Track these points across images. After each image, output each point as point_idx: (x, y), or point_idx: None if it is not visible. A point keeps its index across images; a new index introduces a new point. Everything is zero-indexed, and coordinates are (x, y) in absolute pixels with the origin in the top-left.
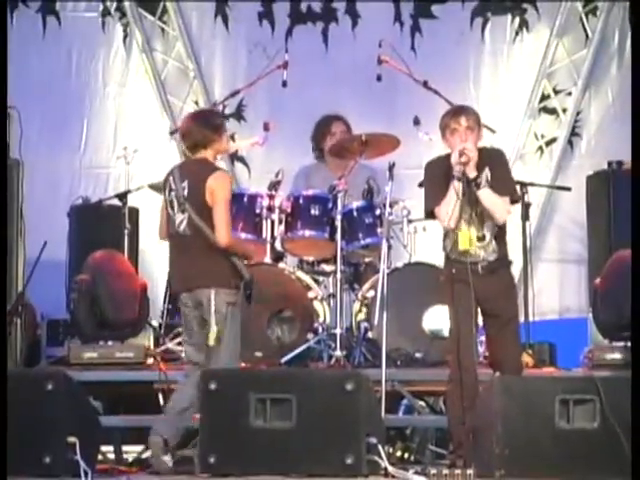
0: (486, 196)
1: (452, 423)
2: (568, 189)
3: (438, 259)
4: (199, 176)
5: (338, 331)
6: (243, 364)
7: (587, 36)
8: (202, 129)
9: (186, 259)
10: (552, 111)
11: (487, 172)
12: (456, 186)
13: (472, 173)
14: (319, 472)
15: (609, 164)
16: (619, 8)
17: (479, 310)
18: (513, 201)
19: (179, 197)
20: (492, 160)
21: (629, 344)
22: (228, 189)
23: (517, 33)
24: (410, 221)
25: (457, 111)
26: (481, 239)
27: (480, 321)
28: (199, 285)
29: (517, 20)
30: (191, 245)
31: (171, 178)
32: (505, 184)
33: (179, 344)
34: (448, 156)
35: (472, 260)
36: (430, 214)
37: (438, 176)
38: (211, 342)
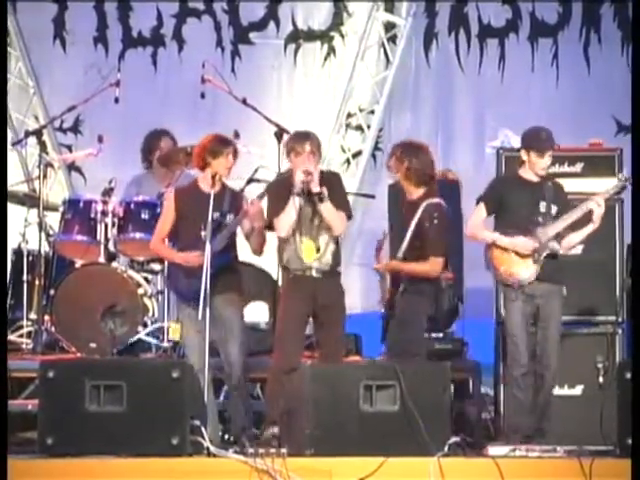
0: (327, 209)
1: (270, 407)
2: (372, 196)
3: (260, 261)
4: None
5: (165, 324)
6: (79, 354)
7: (388, 60)
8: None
9: None
10: (357, 127)
11: (325, 191)
12: (296, 201)
13: (316, 188)
14: (147, 452)
15: None
16: (417, 37)
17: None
18: (348, 217)
19: None
20: (330, 182)
21: (433, 335)
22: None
23: (325, 58)
24: None
25: (302, 137)
26: (317, 251)
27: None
28: None
29: (326, 46)
30: None
31: None
32: (342, 202)
33: (20, 336)
34: (289, 175)
35: (309, 269)
36: (269, 225)
37: (280, 192)
38: None
